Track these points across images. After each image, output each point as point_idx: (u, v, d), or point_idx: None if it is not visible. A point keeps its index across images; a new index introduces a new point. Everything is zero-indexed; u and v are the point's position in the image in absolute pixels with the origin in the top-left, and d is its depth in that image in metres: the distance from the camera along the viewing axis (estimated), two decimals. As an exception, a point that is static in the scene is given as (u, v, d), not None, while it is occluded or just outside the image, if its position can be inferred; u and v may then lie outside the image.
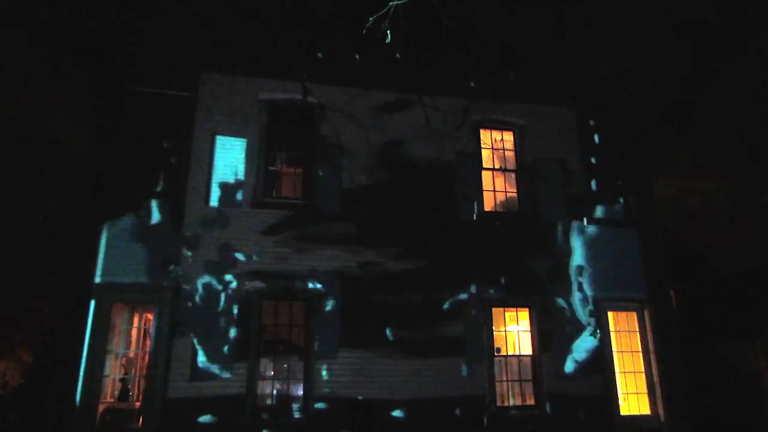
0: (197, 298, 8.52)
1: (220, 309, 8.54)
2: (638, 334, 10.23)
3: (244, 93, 9.53)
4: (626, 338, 10.35)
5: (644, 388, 9.95)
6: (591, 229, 10.39)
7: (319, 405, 8.45)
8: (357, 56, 10.08)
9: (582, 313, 9.86)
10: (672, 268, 11.27)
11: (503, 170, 10.61)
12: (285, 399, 8.64)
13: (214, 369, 8.27)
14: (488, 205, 10.27)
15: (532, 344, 9.61)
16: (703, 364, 12.44)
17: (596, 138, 11.01)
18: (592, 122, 11.03)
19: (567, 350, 9.60)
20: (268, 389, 8.69)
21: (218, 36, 9.39)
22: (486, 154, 10.49)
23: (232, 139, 9.34)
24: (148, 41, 9.21)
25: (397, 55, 6.71)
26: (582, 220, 10.39)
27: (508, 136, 10.74)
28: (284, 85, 9.69)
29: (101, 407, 8.18)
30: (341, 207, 9.42)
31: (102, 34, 9.42)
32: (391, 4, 6.13)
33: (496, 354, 9.40)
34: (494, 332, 9.50)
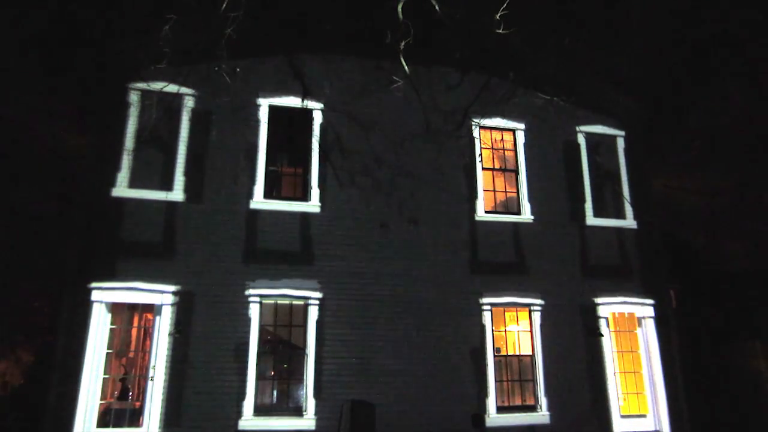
0: (196, 297, 8.52)
1: (220, 308, 8.56)
2: (638, 334, 10.24)
3: (245, 93, 9.51)
4: (626, 338, 10.36)
5: (644, 388, 9.97)
6: (591, 229, 10.39)
7: (319, 404, 8.46)
8: (357, 56, 10.07)
9: (582, 313, 9.86)
10: (672, 268, 11.27)
11: (503, 170, 10.62)
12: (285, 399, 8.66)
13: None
14: (488, 205, 10.28)
15: (532, 344, 9.61)
16: (703, 363, 12.44)
17: (596, 138, 11.03)
18: (592, 122, 11.04)
19: (567, 350, 9.60)
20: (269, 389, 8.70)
21: (219, 35, 9.35)
22: (486, 154, 10.49)
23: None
24: (148, 39, 9.18)
25: (402, 59, 6.69)
26: (583, 220, 10.40)
27: (508, 136, 10.74)
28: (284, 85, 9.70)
29: (101, 407, 8.18)
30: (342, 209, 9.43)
31: (99, 31, 9.39)
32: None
33: (496, 354, 9.41)
34: (494, 332, 9.50)
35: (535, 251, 10.02)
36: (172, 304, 8.39)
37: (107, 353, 8.31)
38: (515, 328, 10.08)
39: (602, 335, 9.76)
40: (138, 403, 8.73)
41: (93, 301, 8.14)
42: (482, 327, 9.37)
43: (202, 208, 8.94)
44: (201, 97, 9.34)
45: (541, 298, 9.73)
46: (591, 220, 10.45)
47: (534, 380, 9.42)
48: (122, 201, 8.66)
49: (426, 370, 8.98)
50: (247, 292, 8.66)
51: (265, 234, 9.02)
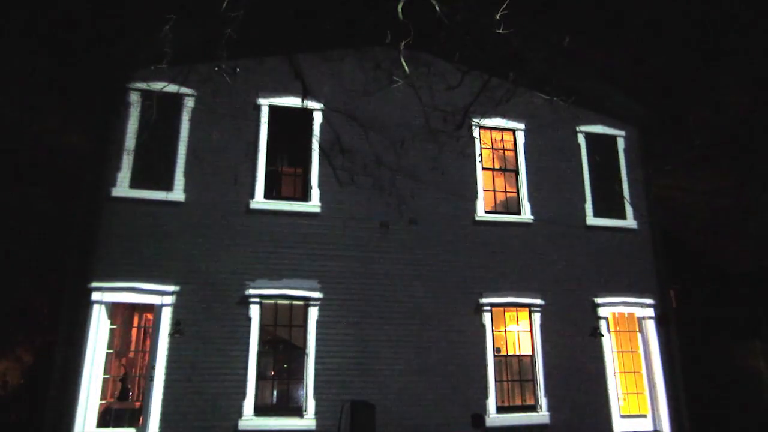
0: (196, 297, 8.52)
1: (220, 308, 8.55)
2: (638, 334, 10.24)
3: (245, 93, 9.50)
4: (626, 338, 10.36)
5: (644, 389, 9.97)
6: (591, 229, 10.39)
7: (319, 404, 8.46)
8: (357, 56, 10.07)
9: (582, 314, 9.85)
10: (672, 268, 11.28)
11: (503, 170, 10.62)
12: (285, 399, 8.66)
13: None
14: (488, 205, 10.28)
15: (532, 344, 9.60)
16: (703, 364, 12.44)
17: (596, 138, 11.03)
18: (592, 122, 11.04)
19: (567, 350, 9.60)
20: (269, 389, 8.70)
21: (219, 35, 9.35)
22: (486, 154, 10.49)
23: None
24: (148, 39, 9.18)
25: (402, 60, 6.69)
26: (583, 220, 10.41)
27: (508, 136, 10.74)
28: (284, 85, 9.69)
29: (101, 407, 8.18)
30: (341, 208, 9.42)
31: (99, 31, 9.38)
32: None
33: (496, 354, 9.41)
34: (494, 332, 9.50)
35: (534, 251, 10.01)
36: (172, 304, 8.39)
37: (107, 353, 8.32)
38: (515, 328, 10.08)
39: (602, 335, 9.76)
40: (138, 403, 8.74)
41: (93, 301, 8.14)
42: (482, 327, 9.37)
43: (202, 208, 8.93)
44: (201, 97, 9.33)
45: (541, 298, 9.73)
46: (591, 220, 10.45)
47: (534, 380, 9.42)
48: (122, 201, 8.65)
49: (426, 370, 8.98)
50: (247, 292, 8.66)
51: (264, 234, 9.01)
